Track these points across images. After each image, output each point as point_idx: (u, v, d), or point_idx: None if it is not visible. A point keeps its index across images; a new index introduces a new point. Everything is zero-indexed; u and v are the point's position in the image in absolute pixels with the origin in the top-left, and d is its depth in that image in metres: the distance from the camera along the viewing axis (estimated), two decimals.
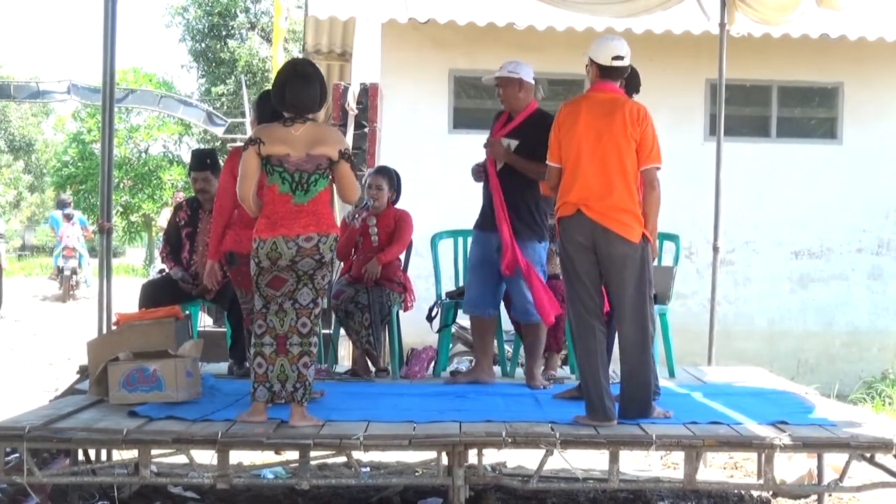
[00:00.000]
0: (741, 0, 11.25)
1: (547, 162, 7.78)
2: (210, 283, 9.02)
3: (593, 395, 7.47)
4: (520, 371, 10.07)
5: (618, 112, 7.60)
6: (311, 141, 7.21)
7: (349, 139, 15.13)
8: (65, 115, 55.29)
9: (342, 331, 9.99)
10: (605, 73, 7.75)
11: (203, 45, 43.48)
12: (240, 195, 7.38)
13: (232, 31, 43.41)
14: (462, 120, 15.21)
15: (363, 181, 9.84)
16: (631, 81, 8.18)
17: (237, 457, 8.40)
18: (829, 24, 14.28)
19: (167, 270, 10.23)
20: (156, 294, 9.76)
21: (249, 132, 8.87)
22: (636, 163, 7.70)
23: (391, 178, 9.99)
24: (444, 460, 6.99)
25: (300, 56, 21.33)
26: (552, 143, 7.74)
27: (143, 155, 45.36)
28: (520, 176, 8.89)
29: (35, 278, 36.24)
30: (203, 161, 10.17)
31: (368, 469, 8.93)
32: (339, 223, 8.87)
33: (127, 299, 10.09)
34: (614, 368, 10.15)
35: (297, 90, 7.29)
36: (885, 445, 7.07)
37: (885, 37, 14.67)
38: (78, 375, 10.11)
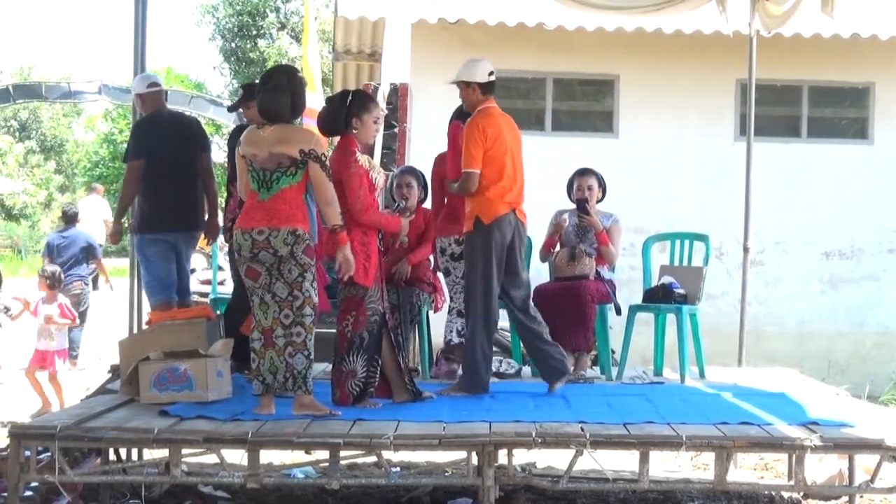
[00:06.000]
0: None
1: (470, 169, 8.60)
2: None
3: (485, 369, 8.75)
4: None
5: (515, 128, 8.99)
6: (274, 141, 7.62)
7: (379, 139, 15.12)
8: (96, 115, 55.56)
9: None
10: (486, 89, 8.84)
11: (233, 44, 43.54)
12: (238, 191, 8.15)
13: (262, 31, 43.45)
14: None
15: (388, 181, 9.85)
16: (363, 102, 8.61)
17: (267, 456, 8.42)
18: (859, 24, 14.23)
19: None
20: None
21: None
22: None
23: (418, 176, 9.98)
24: (474, 460, 7.00)
25: (330, 56, 21.34)
26: (476, 151, 8.59)
27: None
28: None
29: None
30: None
31: (398, 469, 8.93)
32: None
33: None
34: (645, 370, 10.19)
35: (266, 99, 7.74)
36: None
37: None
38: (109, 375, 10.16)
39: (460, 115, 9.32)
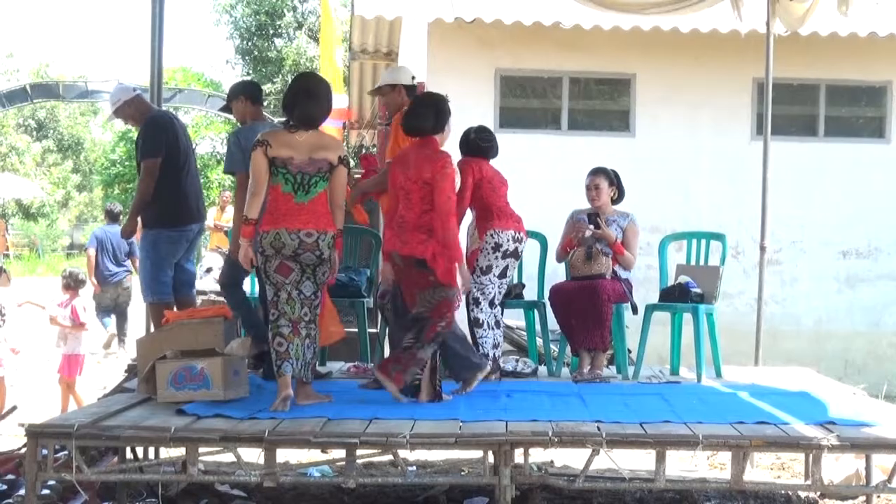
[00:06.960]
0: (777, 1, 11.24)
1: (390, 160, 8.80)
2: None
3: (466, 348, 8.66)
4: (565, 370, 10.06)
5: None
6: (313, 146, 7.81)
7: None
8: None
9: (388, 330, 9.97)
10: (411, 92, 9.26)
11: (250, 43, 43.59)
12: (253, 191, 7.85)
13: (279, 30, 43.49)
14: (508, 119, 15.22)
15: None
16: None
17: (284, 455, 8.44)
18: (877, 23, 14.20)
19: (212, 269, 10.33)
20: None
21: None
22: None
23: None
24: (491, 459, 6.99)
25: (346, 54, 21.37)
26: (397, 147, 8.84)
27: None
28: None
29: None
30: None
31: (414, 468, 8.92)
32: None
33: None
34: (661, 369, 10.18)
35: (306, 107, 7.89)
36: None
37: None
38: (126, 373, 10.17)
39: (469, 150, 9.41)
